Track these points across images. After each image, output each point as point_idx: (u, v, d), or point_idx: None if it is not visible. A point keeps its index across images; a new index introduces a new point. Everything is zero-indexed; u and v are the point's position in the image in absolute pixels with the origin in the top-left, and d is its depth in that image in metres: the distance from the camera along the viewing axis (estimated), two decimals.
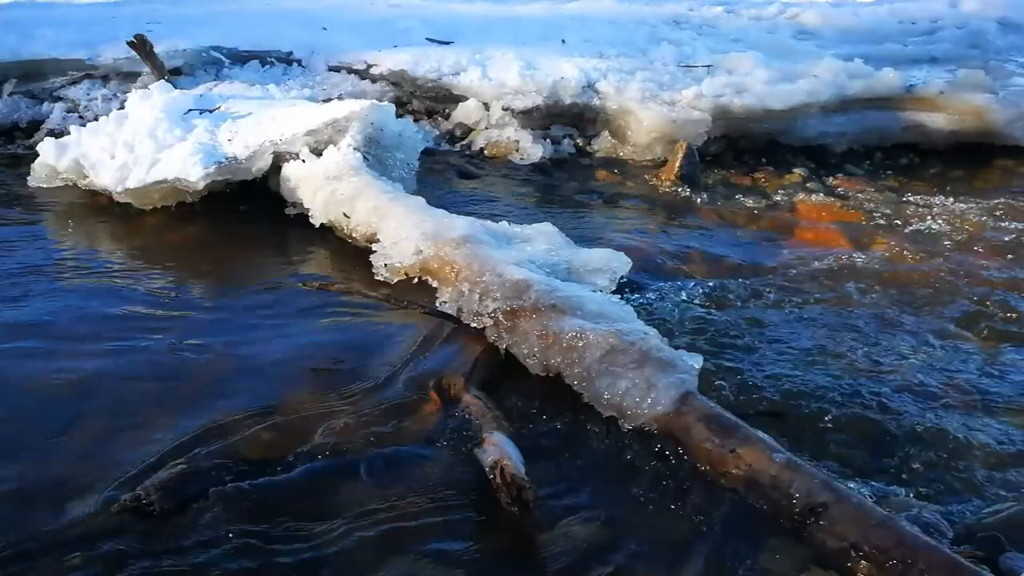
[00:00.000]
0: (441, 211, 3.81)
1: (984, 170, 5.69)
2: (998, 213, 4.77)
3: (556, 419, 2.69)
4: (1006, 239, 4.40)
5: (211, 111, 4.73)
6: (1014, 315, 3.59)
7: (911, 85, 5.90)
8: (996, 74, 6.21)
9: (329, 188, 4.05)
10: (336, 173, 4.12)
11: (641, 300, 3.56)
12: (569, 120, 5.86)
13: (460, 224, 3.60)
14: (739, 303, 3.71)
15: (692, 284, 3.86)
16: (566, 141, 5.71)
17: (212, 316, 3.30)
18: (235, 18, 7.11)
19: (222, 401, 2.71)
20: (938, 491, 2.43)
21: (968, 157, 5.88)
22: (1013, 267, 4.08)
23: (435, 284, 3.38)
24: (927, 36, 7.27)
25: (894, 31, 7.42)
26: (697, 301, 3.68)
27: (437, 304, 3.24)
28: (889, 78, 5.83)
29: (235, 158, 4.31)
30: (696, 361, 2.68)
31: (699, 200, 5.00)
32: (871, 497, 2.27)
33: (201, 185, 4.21)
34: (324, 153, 4.31)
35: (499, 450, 2.30)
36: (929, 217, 4.72)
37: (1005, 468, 2.55)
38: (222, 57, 6.19)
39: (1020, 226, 4.58)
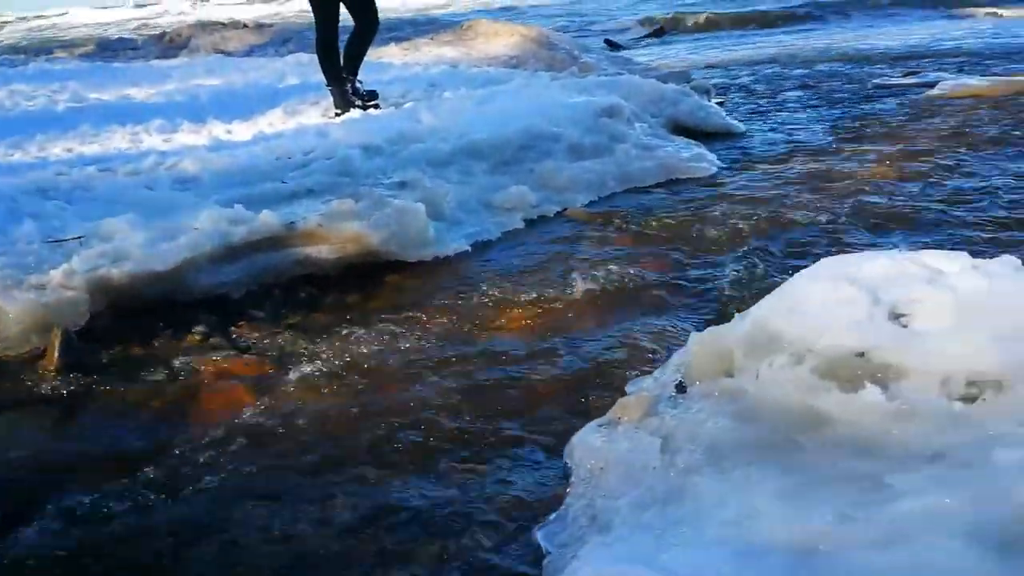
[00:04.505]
0: None
1: (377, 290, 5.95)
2: (394, 333, 4.98)
3: None
4: (402, 363, 4.60)
5: None
6: (419, 444, 3.72)
7: (291, 222, 6.02)
8: (368, 198, 6.59)
9: None
10: None
11: None
12: None
13: None
14: (141, 510, 3.33)
15: (79, 498, 3.38)
16: None
17: None
18: None
19: None
20: None
21: (361, 279, 6.13)
22: (416, 390, 4.26)
23: None
24: (302, 169, 7.55)
25: (272, 168, 7.60)
26: (79, 525, 3.22)
27: None
28: (268, 220, 5.89)
29: None
30: None
31: (92, 387, 4.50)
32: None
33: None
34: None
35: None
36: (332, 351, 4.78)
37: None
38: None
39: (410, 348, 4.80)
